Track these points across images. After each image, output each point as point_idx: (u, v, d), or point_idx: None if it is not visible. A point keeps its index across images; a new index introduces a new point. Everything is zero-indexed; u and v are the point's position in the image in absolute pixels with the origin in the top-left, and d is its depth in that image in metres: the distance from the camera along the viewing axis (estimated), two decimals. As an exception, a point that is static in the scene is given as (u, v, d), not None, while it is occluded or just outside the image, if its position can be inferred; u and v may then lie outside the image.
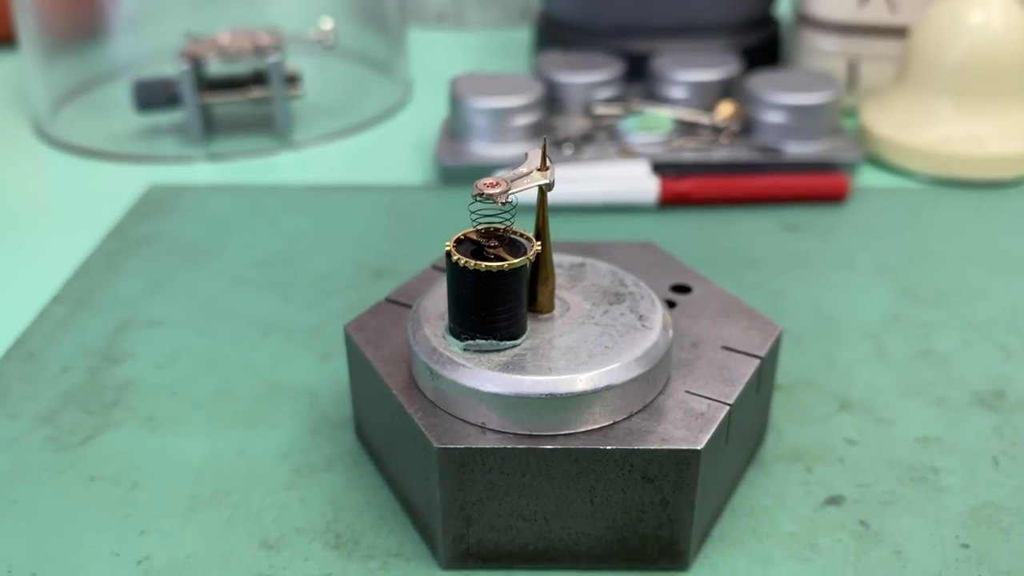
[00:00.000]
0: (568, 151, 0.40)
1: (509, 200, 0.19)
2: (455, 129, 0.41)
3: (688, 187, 0.37)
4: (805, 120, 0.39)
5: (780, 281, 0.32)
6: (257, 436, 0.25)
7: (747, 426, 0.22)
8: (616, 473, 0.19)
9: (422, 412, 0.20)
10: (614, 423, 0.20)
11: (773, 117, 0.39)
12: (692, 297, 0.24)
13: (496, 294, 0.19)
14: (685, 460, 0.19)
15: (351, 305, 0.31)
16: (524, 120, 0.40)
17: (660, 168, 0.38)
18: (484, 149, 0.40)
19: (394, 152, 0.43)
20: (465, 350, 0.20)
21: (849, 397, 0.26)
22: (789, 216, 0.37)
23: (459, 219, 0.36)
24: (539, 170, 0.20)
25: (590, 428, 0.19)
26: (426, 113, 0.48)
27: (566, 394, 0.19)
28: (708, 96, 0.42)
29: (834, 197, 0.38)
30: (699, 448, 0.19)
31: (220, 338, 0.29)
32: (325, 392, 0.27)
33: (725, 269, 0.33)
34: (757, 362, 0.22)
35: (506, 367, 0.19)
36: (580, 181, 0.37)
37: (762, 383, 0.23)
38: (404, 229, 0.36)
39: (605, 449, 0.19)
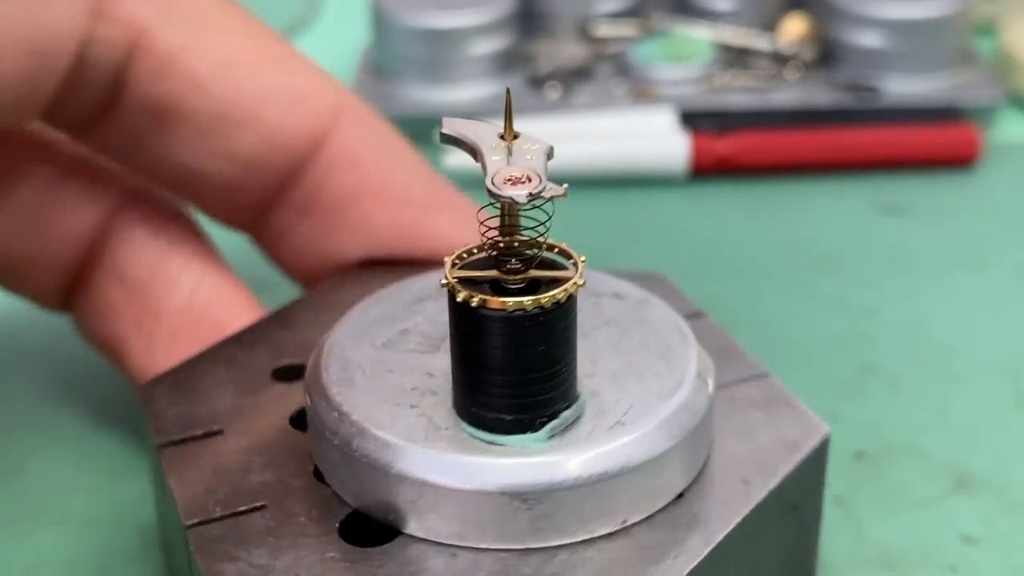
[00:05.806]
0: (554, 94, 0.40)
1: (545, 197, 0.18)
2: (380, 62, 0.41)
3: (734, 147, 0.37)
4: (916, 42, 0.39)
5: (872, 292, 0.32)
6: None
7: None
8: None
9: None
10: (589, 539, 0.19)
11: (867, 39, 0.40)
12: None
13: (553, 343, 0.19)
14: None
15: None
16: (486, 46, 0.40)
17: (692, 119, 0.38)
18: (422, 93, 0.40)
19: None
20: (551, 437, 0.19)
21: (970, 470, 0.26)
22: (888, 190, 0.37)
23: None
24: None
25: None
26: (339, 38, 0.47)
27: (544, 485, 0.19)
28: (767, 7, 0.42)
29: (958, 160, 0.38)
30: None
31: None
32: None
33: (788, 273, 0.33)
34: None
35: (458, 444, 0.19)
36: (570, 139, 0.37)
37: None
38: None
39: None
